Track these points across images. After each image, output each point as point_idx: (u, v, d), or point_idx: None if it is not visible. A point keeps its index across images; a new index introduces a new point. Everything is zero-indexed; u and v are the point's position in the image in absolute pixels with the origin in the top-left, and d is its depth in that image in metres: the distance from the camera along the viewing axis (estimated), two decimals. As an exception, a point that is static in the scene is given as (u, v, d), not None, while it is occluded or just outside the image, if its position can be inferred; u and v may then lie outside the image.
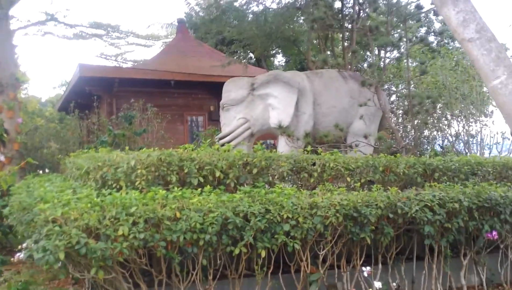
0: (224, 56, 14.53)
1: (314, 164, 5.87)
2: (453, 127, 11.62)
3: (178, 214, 4.04)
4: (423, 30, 18.91)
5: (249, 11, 13.32)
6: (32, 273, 5.16)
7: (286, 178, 5.72)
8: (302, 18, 12.65)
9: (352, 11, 11.36)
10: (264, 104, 8.23)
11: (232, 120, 8.21)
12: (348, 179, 5.80)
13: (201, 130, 13.75)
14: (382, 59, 9.68)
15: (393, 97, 14.03)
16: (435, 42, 17.43)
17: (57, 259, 3.39)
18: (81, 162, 5.43)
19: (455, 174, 6.46)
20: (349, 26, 11.09)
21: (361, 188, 5.60)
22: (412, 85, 8.90)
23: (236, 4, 13.41)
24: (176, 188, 4.60)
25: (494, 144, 11.20)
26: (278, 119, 7.93)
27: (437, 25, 18.01)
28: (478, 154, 10.62)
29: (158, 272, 4.12)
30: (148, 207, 3.99)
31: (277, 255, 4.54)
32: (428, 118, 9.99)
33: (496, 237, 5.37)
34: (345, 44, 11.85)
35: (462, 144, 11.35)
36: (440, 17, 10.69)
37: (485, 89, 12.52)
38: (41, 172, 9.55)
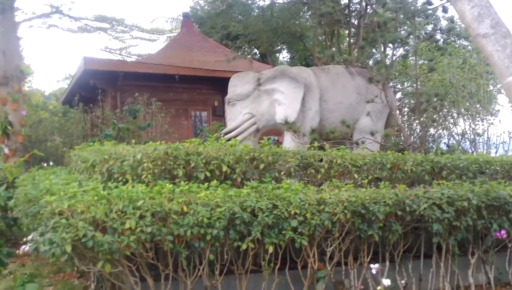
0: (229, 51, 14.46)
1: (321, 160, 5.82)
2: (459, 126, 11.55)
3: (185, 208, 4.00)
4: (429, 27, 18.80)
5: (255, 5, 13.23)
6: (37, 266, 5.13)
7: (293, 174, 5.67)
8: (309, 13, 12.55)
9: (359, 6, 11.29)
10: (270, 100, 8.17)
11: (237, 115, 8.15)
12: (356, 175, 5.75)
13: (205, 126, 13.70)
14: (388, 56, 9.61)
15: (398, 95, 13.95)
16: (442, 40, 17.31)
17: (63, 251, 3.35)
18: (86, 155, 5.39)
19: (463, 172, 6.40)
20: (356, 22, 11.03)
21: (369, 185, 5.55)
22: (419, 83, 8.80)
23: (242, -2, 13.32)
24: (182, 182, 4.56)
25: (501, 143, 11.13)
26: (284, 114, 7.86)
27: (443, 23, 17.90)
28: (484, 153, 10.53)
29: (164, 266, 4.08)
30: (155, 201, 3.95)
31: (284, 251, 4.50)
32: (435, 116, 9.92)
33: (504, 236, 5.32)
34: (352, 40, 11.78)
35: (468, 143, 11.28)
36: (447, 15, 10.60)
37: (491, 87, 12.46)
38: (45, 165, 9.52)
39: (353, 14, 11.04)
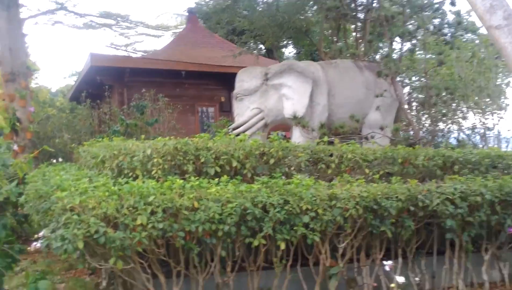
0: (235, 46, 14.40)
1: (331, 155, 5.77)
2: (469, 120, 11.44)
3: (196, 204, 3.96)
4: (436, 22, 18.59)
5: (261, 0, 13.16)
6: (48, 263, 5.12)
7: (303, 169, 5.62)
8: (314, 7, 12.47)
9: (365, 0, 11.18)
10: (278, 94, 8.11)
11: (245, 110, 8.11)
12: (367, 170, 5.69)
13: (211, 121, 13.67)
14: (395, 50, 9.54)
15: (406, 89, 13.83)
16: (449, 34, 17.12)
17: (75, 248, 3.33)
18: (96, 151, 5.36)
19: (475, 166, 6.31)
20: (363, 16, 10.92)
21: (380, 180, 5.48)
22: (428, 77, 8.71)
23: (248, -7, 13.24)
24: (192, 178, 4.51)
25: (512, 137, 11.02)
26: (292, 109, 7.81)
27: (450, 18, 17.70)
28: (495, 147, 10.42)
29: (176, 263, 4.05)
30: (166, 196, 3.91)
31: (295, 248, 4.45)
32: (444, 110, 9.81)
33: (518, 232, 5.24)
34: (358, 34, 11.68)
35: (478, 137, 11.18)
36: (454, 9, 10.45)
37: (500, 81, 12.33)
38: (54, 161, 9.51)
39: (360, 8, 10.94)
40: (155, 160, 4.82)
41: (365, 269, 4.79)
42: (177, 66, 13.14)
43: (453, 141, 11.59)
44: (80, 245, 3.33)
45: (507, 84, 11.93)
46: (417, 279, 4.98)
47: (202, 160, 5.01)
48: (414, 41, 10.62)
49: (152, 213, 3.74)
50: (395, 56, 9.12)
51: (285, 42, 18.95)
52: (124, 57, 15.87)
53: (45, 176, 4.73)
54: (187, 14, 17.63)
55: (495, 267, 5.54)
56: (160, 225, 3.68)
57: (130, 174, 4.82)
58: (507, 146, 10.95)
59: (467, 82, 11.21)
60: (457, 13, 11.49)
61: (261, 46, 18.66)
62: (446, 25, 16.13)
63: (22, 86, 10.12)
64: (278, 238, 4.19)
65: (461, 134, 11.63)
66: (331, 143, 6.51)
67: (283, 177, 5.33)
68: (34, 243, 4.49)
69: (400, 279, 4.45)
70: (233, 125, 8.08)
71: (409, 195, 4.79)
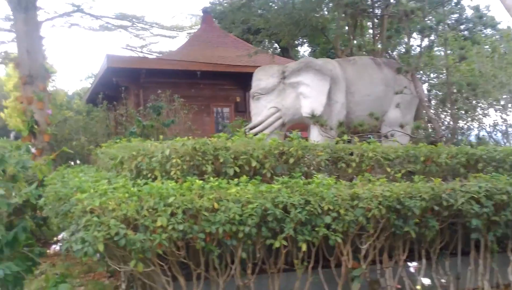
0: (250, 46, 14.35)
1: (351, 154, 5.65)
2: (490, 117, 11.18)
3: (216, 205, 3.90)
4: (454, 17, 18.30)
5: (276, -2, 13.08)
6: (67, 266, 5.12)
7: (323, 168, 5.52)
8: (331, 4, 12.33)
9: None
10: (296, 93, 8.00)
11: (262, 109, 8.01)
12: (388, 169, 5.56)
13: (226, 122, 13.62)
14: (413, 47, 9.36)
15: (424, 86, 13.59)
16: (468, 29, 16.84)
17: (96, 250, 3.29)
18: (114, 152, 5.34)
19: (499, 164, 6.12)
20: (380, 12, 10.76)
21: (402, 179, 5.36)
22: (448, 73, 8.51)
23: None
24: (212, 178, 4.46)
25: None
26: (310, 108, 7.69)
27: (467, 13, 17.41)
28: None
29: (196, 265, 3.99)
30: (185, 197, 3.85)
31: (316, 249, 4.36)
32: (465, 107, 9.60)
33: (546, 231, 5.06)
34: (376, 31, 11.51)
35: (500, 134, 10.92)
36: (472, 3, 10.26)
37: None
38: (72, 163, 9.57)
39: (377, 4, 10.77)
40: (174, 160, 4.78)
41: (388, 270, 4.67)
42: (192, 67, 13.14)
43: (473, 139, 11.35)
44: (101, 247, 3.30)
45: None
46: (443, 280, 4.85)
47: (221, 160, 4.94)
48: (432, 37, 10.44)
49: (172, 214, 3.69)
50: (413, 52, 8.94)
51: (300, 40, 18.82)
52: (140, 58, 15.95)
53: (64, 178, 4.72)
54: (201, 14, 17.63)
55: (522, 268, 5.36)
56: (180, 227, 3.63)
57: (149, 175, 4.78)
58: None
59: (488, 78, 10.96)
60: (476, 8, 11.27)
61: (276, 45, 18.59)
62: (464, 20, 15.86)
63: (40, 88, 10.22)
64: (299, 239, 4.11)
65: (482, 131, 11.39)
66: (348, 142, 6.40)
67: (303, 176, 5.24)
68: (53, 246, 4.49)
69: (426, 280, 4.33)
70: (250, 125, 8.00)
71: (433, 194, 4.67)
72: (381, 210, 4.34)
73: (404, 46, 10.51)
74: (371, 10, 10.69)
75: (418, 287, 4.54)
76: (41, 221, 5.46)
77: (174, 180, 4.59)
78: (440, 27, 7.83)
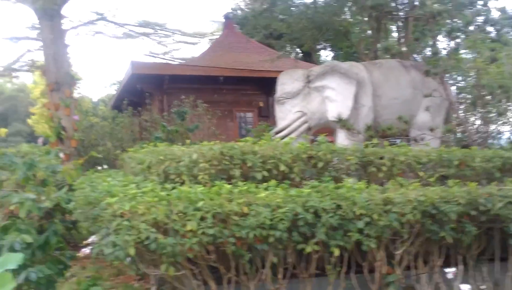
0: (272, 51, 14.29)
1: (381, 158, 5.52)
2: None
3: (245, 209, 3.83)
4: (480, 19, 17.90)
5: (298, 2, 12.99)
6: (97, 269, 5.12)
7: (352, 172, 5.40)
8: (354, 7, 12.18)
9: (408, -2, 10.81)
10: (321, 97, 7.89)
11: (287, 113, 7.91)
12: (421, 173, 5.40)
13: (249, 127, 13.58)
14: (439, 49, 9.11)
15: (452, 89, 13.28)
16: (495, 31, 16.44)
17: (126, 254, 3.26)
18: (141, 156, 5.33)
19: (536, 168, 5.91)
20: (404, 14, 10.57)
21: (435, 183, 5.20)
22: (479, 75, 8.28)
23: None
24: (240, 183, 4.39)
25: None
26: (336, 112, 7.57)
27: (493, 15, 16.99)
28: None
29: (226, 270, 3.93)
30: (214, 201, 3.80)
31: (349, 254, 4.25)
32: (495, 110, 9.30)
33: None
34: (400, 34, 11.32)
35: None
36: (499, 5, 9.97)
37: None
38: (99, 168, 9.65)
39: (401, 6, 10.59)
40: (201, 165, 4.74)
41: (424, 276, 4.52)
42: (215, 72, 13.16)
43: (504, 143, 10.99)
44: (131, 251, 3.27)
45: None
46: (484, 287, 4.66)
47: (249, 164, 4.88)
48: (458, 40, 10.21)
49: (202, 218, 3.64)
50: (440, 54, 8.72)
51: (322, 45, 18.70)
52: (163, 64, 16.07)
53: (92, 183, 4.73)
54: (223, 20, 17.69)
55: None
56: (211, 231, 3.58)
57: (177, 179, 4.74)
58: None
59: (519, 79, 10.61)
60: (503, 10, 10.97)
61: (298, 50, 18.51)
62: (492, 22, 15.49)
63: (66, 95, 10.35)
64: (331, 244, 4.01)
65: (513, 135, 11.01)
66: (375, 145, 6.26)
67: (332, 181, 5.13)
68: (83, 249, 4.48)
69: (465, 287, 4.15)
70: (276, 129, 7.91)
71: (470, 198, 4.52)
72: (415, 215, 4.21)
73: (429, 49, 10.27)
74: (395, 12, 10.52)
75: (457, 293, 4.38)
76: (71, 224, 5.47)
77: (202, 184, 4.54)
78: (471, 28, 7.61)
